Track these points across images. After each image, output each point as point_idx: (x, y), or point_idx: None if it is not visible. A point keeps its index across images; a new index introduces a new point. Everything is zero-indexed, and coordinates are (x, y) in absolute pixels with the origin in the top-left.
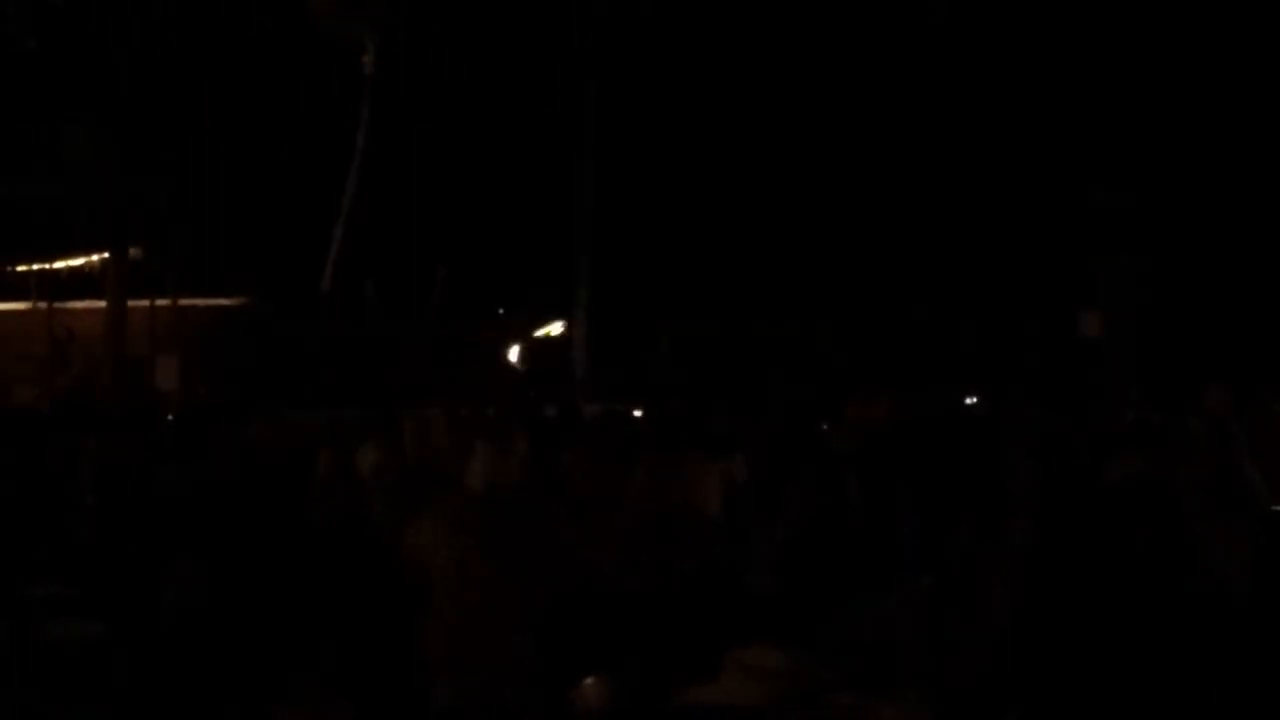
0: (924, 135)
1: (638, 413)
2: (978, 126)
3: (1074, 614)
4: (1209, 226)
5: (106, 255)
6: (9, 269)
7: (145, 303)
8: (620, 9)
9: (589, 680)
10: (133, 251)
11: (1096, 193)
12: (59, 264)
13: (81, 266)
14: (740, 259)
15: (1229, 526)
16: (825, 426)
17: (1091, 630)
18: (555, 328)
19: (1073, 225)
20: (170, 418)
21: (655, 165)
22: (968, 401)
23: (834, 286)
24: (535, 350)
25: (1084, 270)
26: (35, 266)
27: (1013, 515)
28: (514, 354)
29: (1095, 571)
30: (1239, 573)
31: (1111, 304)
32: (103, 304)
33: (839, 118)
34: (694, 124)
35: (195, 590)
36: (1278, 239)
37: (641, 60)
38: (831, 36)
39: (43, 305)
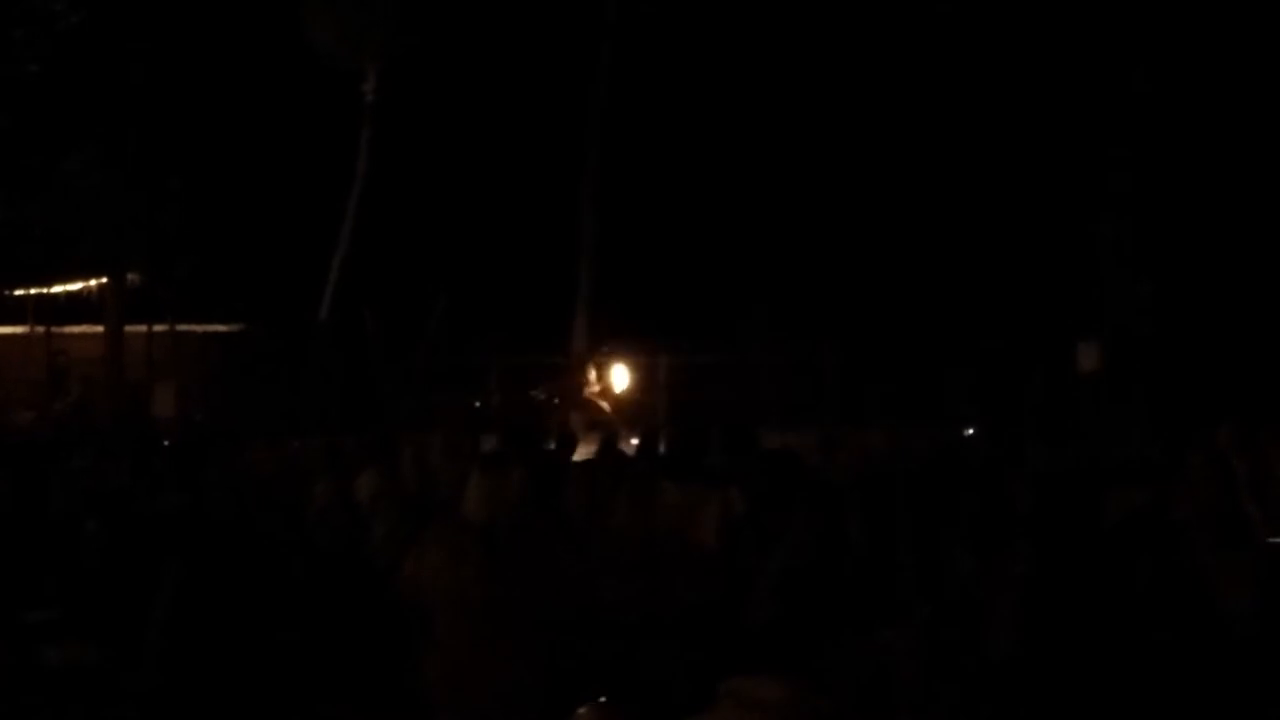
0: (925, 164)
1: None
2: (979, 156)
3: (1074, 646)
4: (1211, 256)
5: (105, 280)
6: (7, 293)
7: (143, 328)
8: (623, 41)
9: (583, 709)
10: (131, 277)
11: (1098, 223)
12: (57, 288)
13: (79, 291)
14: (741, 287)
15: (1230, 559)
16: (822, 457)
17: (1092, 662)
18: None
19: (1074, 256)
20: (167, 444)
21: (657, 193)
22: (966, 433)
23: (833, 316)
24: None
25: (1084, 301)
26: (33, 291)
27: (1012, 547)
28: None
29: (1096, 604)
30: (1241, 604)
31: (1112, 336)
32: (100, 329)
33: (836, 149)
34: (694, 153)
35: (189, 617)
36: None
37: (643, 87)
38: (819, 63)
39: (40, 330)
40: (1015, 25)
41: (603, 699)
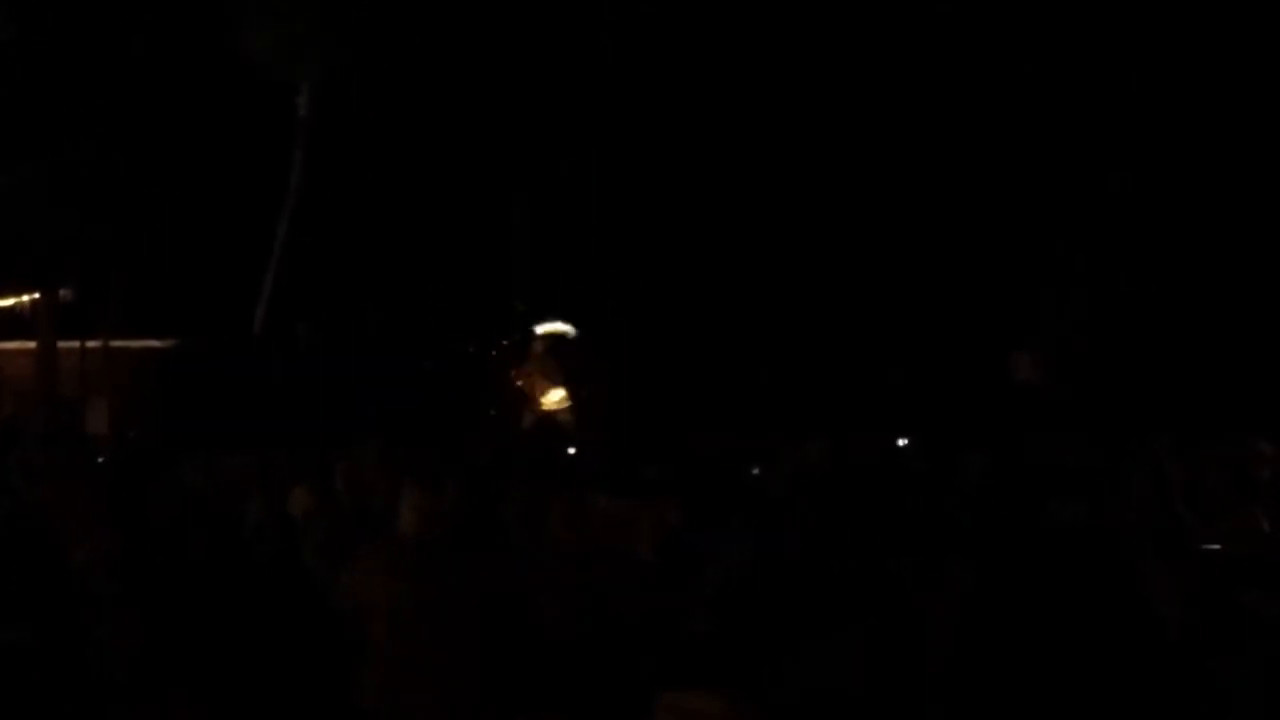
0: (859, 175)
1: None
2: (916, 165)
3: (1014, 655)
4: (1146, 264)
5: (37, 296)
6: None
7: (75, 344)
8: (568, 53)
9: None
10: (63, 293)
11: (1036, 234)
12: None
13: (11, 307)
14: (675, 295)
15: (1167, 566)
16: (758, 470)
17: (1032, 670)
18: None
19: (1010, 265)
20: (101, 460)
21: (591, 206)
22: (900, 443)
23: (768, 324)
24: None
25: (1020, 311)
26: None
27: (951, 557)
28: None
29: (1035, 613)
30: (1177, 610)
31: (1047, 346)
32: (33, 345)
33: (765, 159)
34: (628, 172)
35: (131, 630)
36: (1218, 277)
37: (584, 104)
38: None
39: None
40: (954, 44)
41: (537, 713)
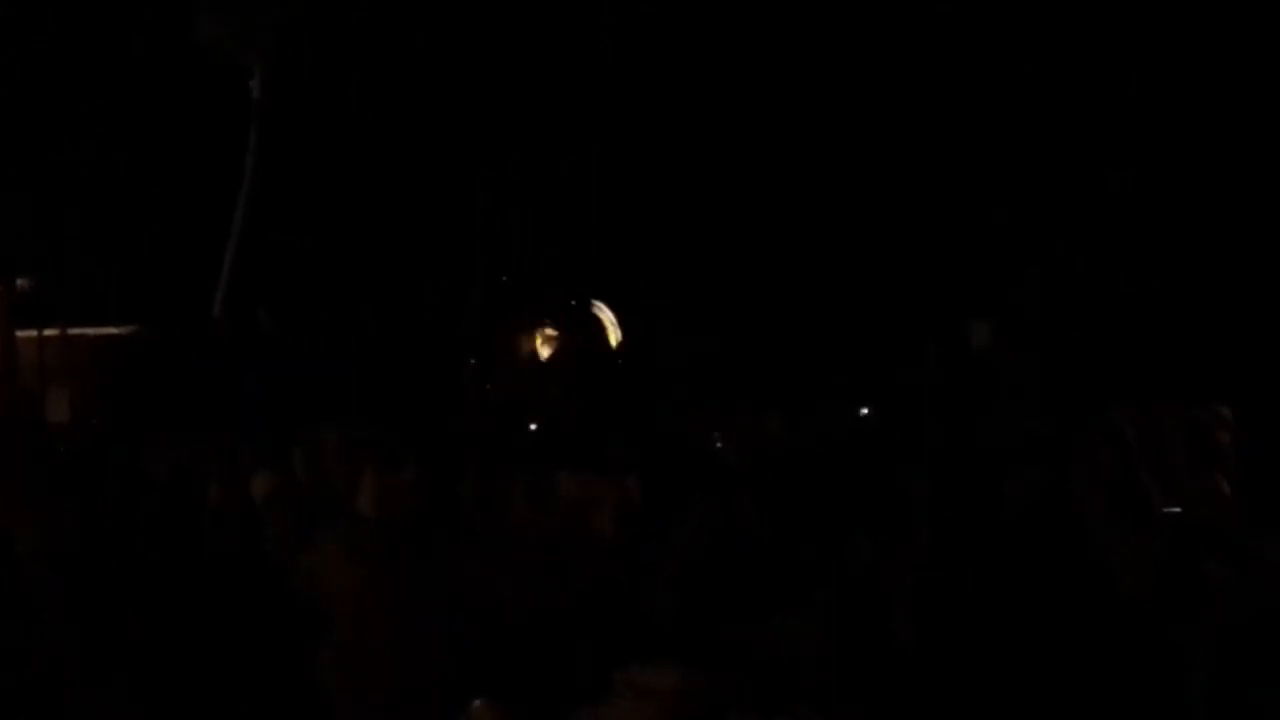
0: (819, 139)
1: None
2: (872, 135)
3: (975, 627)
4: (1101, 234)
5: None
6: None
7: (33, 333)
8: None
9: (478, 703)
10: (20, 282)
11: (991, 204)
12: None
13: None
14: (635, 272)
15: (1129, 532)
16: (719, 444)
17: (994, 642)
18: None
19: (966, 235)
20: (62, 449)
21: (563, 178)
22: (861, 414)
23: (726, 298)
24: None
25: (977, 280)
26: None
27: (911, 529)
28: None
29: (997, 583)
30: (1141, 577)
31: (1005, 315)
32: None
33: (728, 129)
34: (592, 148)
35: (87, 616)
36: (1172, 248)
37: (551, 82)
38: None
39: None
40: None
41: (497, 693)
